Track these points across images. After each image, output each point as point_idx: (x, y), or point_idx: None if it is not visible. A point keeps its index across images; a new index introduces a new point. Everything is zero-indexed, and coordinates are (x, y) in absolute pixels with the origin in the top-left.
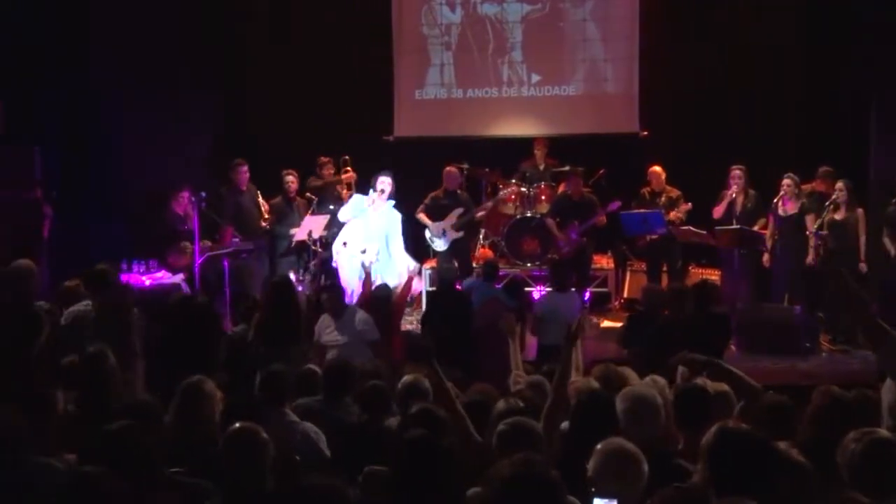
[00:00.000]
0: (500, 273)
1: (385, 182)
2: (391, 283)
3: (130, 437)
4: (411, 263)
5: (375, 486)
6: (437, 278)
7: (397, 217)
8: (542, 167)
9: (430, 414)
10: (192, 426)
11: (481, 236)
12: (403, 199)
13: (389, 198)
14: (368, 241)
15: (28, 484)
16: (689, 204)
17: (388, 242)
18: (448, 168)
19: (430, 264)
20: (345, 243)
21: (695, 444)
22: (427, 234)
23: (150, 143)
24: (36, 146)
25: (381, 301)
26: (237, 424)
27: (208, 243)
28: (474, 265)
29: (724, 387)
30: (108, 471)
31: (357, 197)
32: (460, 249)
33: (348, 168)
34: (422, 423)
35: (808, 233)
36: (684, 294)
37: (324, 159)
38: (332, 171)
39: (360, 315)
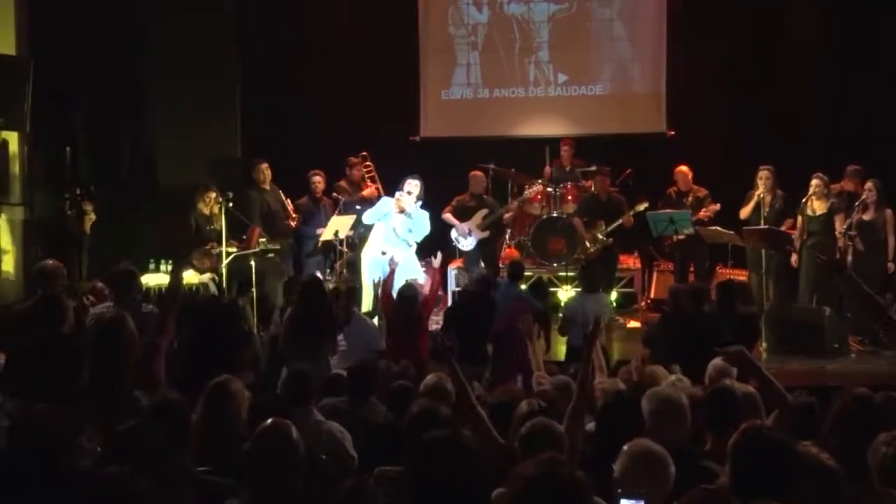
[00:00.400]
0: (526, 273)
1: (412, 184)
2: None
3: (146, 436)
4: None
5: (387, 485)
6: (476, 280)
7: (424, 216)
8: (568, 167)
9: (432, 412)
10: (217, 426)
11: (507, 236)
12: (429, 200)
13: (417, 200)
14: (390, 243)
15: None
16: (717, 204)
17: (413, 243)
18: (473, 172)
19: (456, 264)
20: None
21: (723, 445)
22: (453, 234)
23: (178, 142)
24: (67, 146)
25: (407, 301)
26: (269, 420)
27: (235, 244)
28: (500, 265)
29: (752, 389)
30: (130, 470)
31: (384, 200)
32: (487, 250)
33: (369, 164)
34: (425, 422)
35: (837, 233)
36: (700, 293)
37: (354, 160)
38: (363, 172)
39: (367, 323)
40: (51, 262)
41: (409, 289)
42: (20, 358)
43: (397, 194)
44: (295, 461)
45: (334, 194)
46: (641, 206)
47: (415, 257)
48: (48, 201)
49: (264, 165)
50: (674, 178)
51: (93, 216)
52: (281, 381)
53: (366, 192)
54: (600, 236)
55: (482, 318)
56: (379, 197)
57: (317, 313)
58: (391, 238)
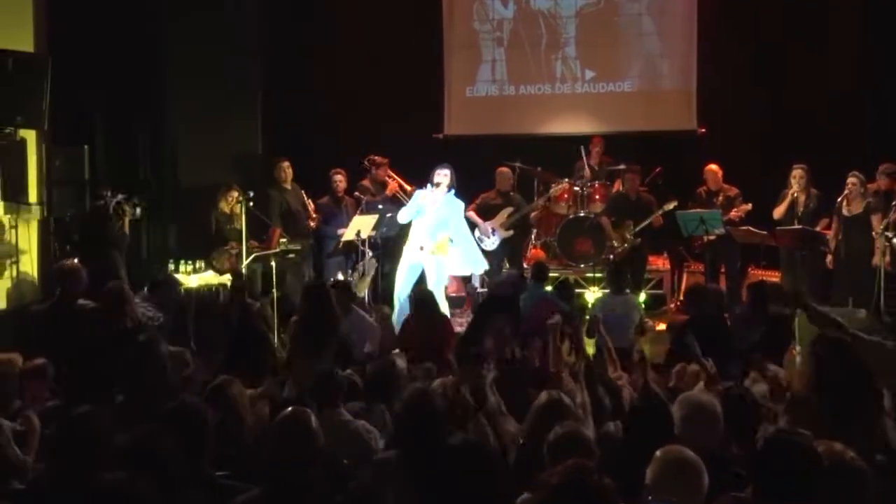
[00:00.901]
0: (552, 274)
1: (442, 174)
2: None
3: (159, 441)
4: (482, 263)
5: (385, 472)
6: (505, 282)
7: (459, 206)
8: (596, 166)
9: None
10: (220, 429)
11: (533, 236)
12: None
13: (449, 190)
14: (428, 236)
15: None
16: (749, 204)
17: (454, 233)
18: (500, 168)
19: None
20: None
21: (745, 449)
22: (476, 233)
23: (198, 141)
24: (85, 144)
25: (423, 304)
26: (289, 409)
27: (255, 244)
28: (525, 266)
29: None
30: (132, 475)
31: (417, 193)
32: (511, 250)
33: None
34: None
35: (874, 233)
36: (704, 293)
37: (378, 159)
38: (388, 172)
39: (365, 322)
40: (69, 261)
41: (422, 293)
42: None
43: (429, 187)
44: (313, 451)
45: (356, 193)
46: (671, 206)
47: (460, 254)
48: (66, 201)
49: (285, 164)
50: (704, 177)
51: (129, 217)
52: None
53: (389, 191)
54: (628, 236)
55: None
56: (403, 192)
57: (321, 319)
58: (429, 233)
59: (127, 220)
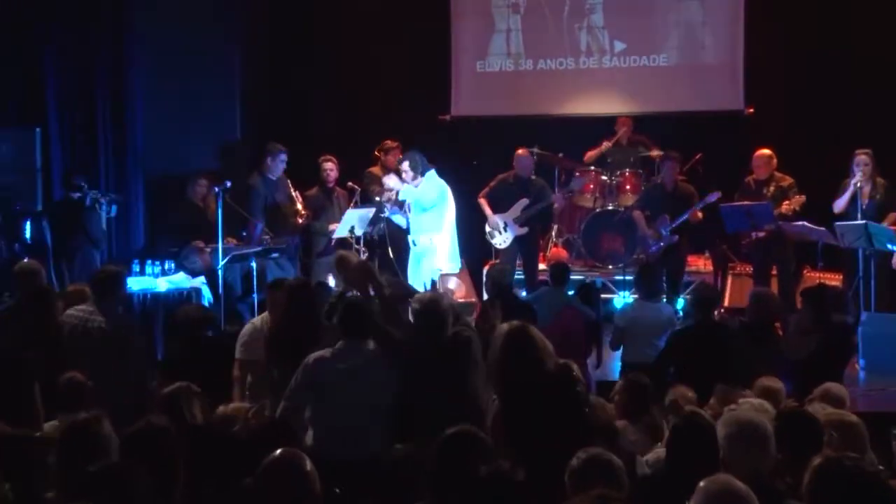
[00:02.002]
0: (576, 277)
1: (403, 166)
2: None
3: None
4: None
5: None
6: (488, 283)
7: (426, 185)
8: (625, 143)
9: (469, 435)
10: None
11: (554, 233)
12: (461, 189)
13: (416, 177)
14: (417, 230)
15: None
16: (803, 196)
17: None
18: (520, 151)
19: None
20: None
21: (798, 479)
22: (487, 227)
23: (167, 123)
24: (37, 126)
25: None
26: (279, 451)
27: (233, 241)
28: (542, 266)
29: (846, 415)
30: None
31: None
32: (526, 248)
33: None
34: (458, 446)
35: None
36: (712, 301)
37: (390, 143)
38: (397, 157)
39: None
40: (27, 262)
41: (398, 286)
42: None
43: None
44: (310, 499)
45: (350, 184)
46: (714, 198)
47: (447, 244)
48: (15, 193)
49: (283, 156)
50: (752, 164)
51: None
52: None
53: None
54: (665, 233)
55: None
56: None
57: (300, 327)
58: (413, 225)
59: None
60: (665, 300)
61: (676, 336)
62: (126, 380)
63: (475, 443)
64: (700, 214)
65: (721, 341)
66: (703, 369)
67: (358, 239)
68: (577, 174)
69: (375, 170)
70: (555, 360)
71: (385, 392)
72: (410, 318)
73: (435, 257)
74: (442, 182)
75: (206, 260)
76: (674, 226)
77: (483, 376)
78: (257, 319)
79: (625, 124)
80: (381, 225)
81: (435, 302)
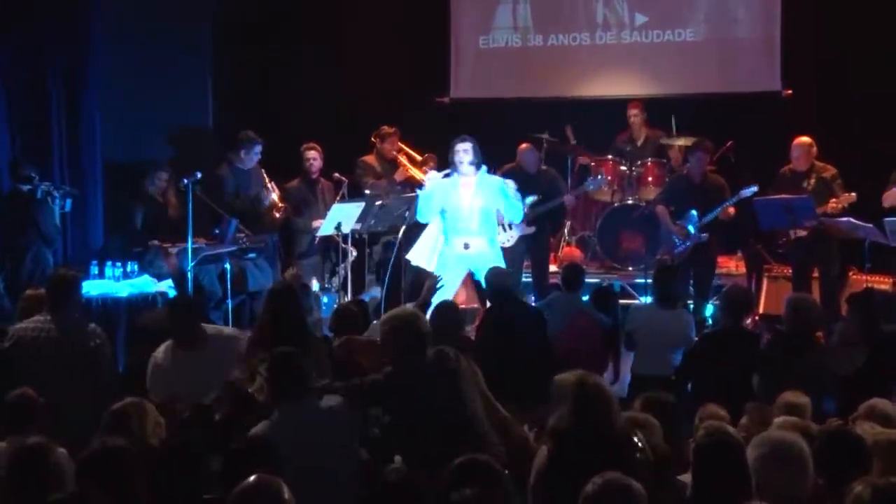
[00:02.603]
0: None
1: (462, 150)
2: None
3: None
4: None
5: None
6: (487, 286)
7: (496, 185)
8: (640, 139)
9: (481, 465)
10: None
11: (566, 230)
12: None
13: (478, 168)
14: (467, 231)
15: None
16: (852, 194)
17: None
18: (523, 146)
19: None
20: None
21: None
22: None
23: (129, 107)
24: None
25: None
26: (253, 478)
27: (202, 240)
28: (553, 269)
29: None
30: None
31: (431, 178)
32: (535, 248)
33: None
34: (470, 475)
35: None
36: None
37: (387, 129)
38: (399, 147)
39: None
40: None
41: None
42: None
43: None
44: None
45: (336, 175)
46: (750, 192)
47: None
48: None
49: (258, 147)
50: (790, 153)
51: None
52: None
53: (399, 175)
54: (693, 230)
55: (526, 338)
56: (414, 179)
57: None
58: (466, 225)
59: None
60: (691, 307)
61: (700, 343)
62: (88, 396)
63: (490, 473)
64: (732, 210)
65: (749, 352)
66: (728, 382)
67: (345, 237)
68: (593, 170)
69: (370, 159)
70: (622, 421)
71: (346, 454)
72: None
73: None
74: None
75: (172, 263)
76: (704, 222)
77: (479, 399)
78: (160, 352)
79: (636, 108)
80: (371, 221)
81: (406, 322)
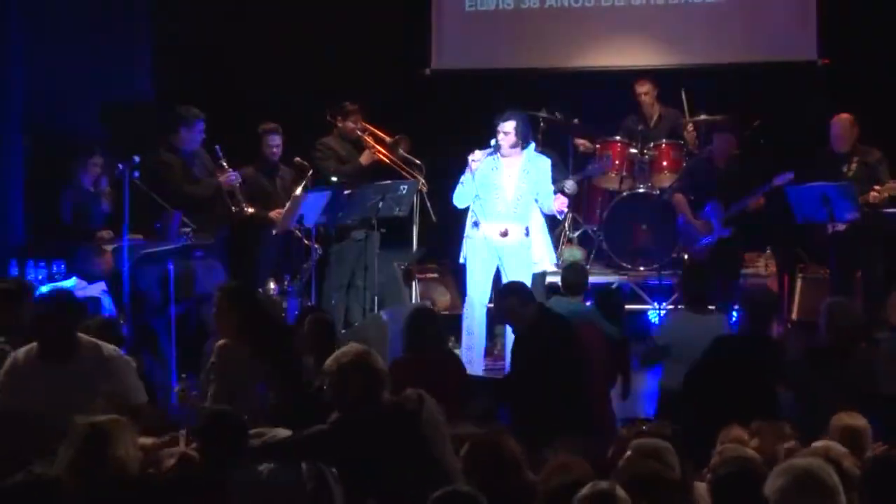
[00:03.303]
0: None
1: (504, 129)
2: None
3: None
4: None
5: None
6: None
7: (546, 166)
8: (653, 119)
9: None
10: None
11: (567, 224)
12: (445, 164)
13: (525, 145)
14: (508, 216)
15: None
16: None
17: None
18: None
19: None
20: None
21: None
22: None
23: (58, 83)
24: None
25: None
26: None
27: (141, 237)
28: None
29: None
30: None
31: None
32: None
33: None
34: None
35: None
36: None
37: (349, 105)
38: (362, 126)
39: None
40: None
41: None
42: None
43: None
44: None
45: (297, 160)
46: (784, 179)
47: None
48: None
49: (201, 125)
50: (830, 134)
51: None
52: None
53: (365, 159)
54: (717, 224)
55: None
56: (387, 158)
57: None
58: (508, 209)
59: None
60: (716, 311)
61: (711, 350)
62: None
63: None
64: (762, 201)
65: (771, 362)
66: (744, 398)
67: (307, 232)
68: (598, 152)
69: (330, 140)
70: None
71: None
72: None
73: (530, 252)
74: None
75: (107, 261)
76: (730, 214)
77: (448, 448)
78: (21, 353)
79: (647, 83)
80: (339, 213)
81: (356, 362)
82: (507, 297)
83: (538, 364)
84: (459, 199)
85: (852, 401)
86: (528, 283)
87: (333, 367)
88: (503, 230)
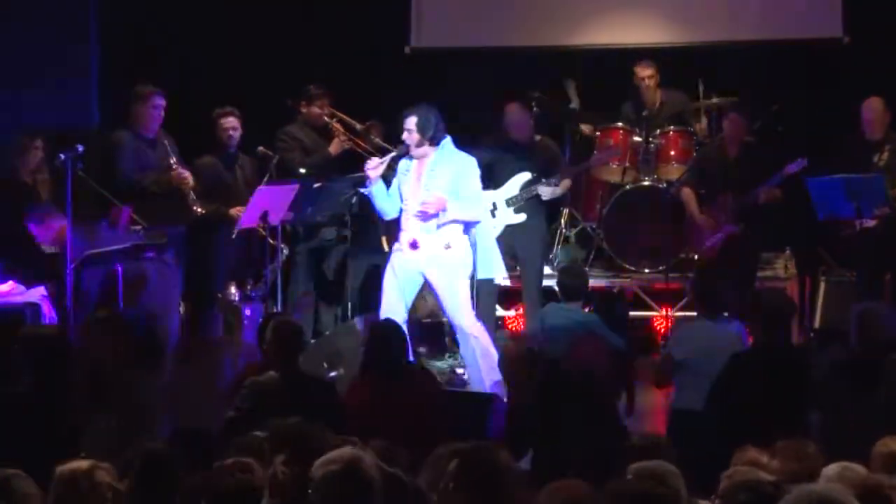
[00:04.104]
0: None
1: (408, 125)
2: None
3: None
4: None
5: None
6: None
7: (466, 165)
8: (657, 104)
9: None
10: None
11: (564, 220)
12: None
13: (436, 142)
14: (420, 226)
15: None
16: None
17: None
18: (511, 105)
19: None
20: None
21: None
22: None
23: None
24: None
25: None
26: None
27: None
28: (547, 271)
29: None
30: None
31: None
32: (524, 244)
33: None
34: None
35: None
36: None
37: (315, 89)
38: (329, 112)
39: None
40: None
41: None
42: None
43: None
44: None
45: (261, 150)
46: (797, 167)
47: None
48: None
49: (157, 100)
50: (862, 119)
51: None
52: None
53: (335, 148)
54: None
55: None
56: (358, 146)
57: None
58: (421, 221)
59: None
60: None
61: (730, 366)
62: None
63: None
64: (778, 192)
65: (795, 376)
66: (765, 417)
67: (272, 230)
68: (598, 140)
69: (294, 129)
70: None
71: None
72: None
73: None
74: None
75: (49, 261)
76: (741, 207)
77: None
78: None
79: (649, 68)
80: (308, 210)
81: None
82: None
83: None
84: (383, 212)
85: (887, 420)
86: (456, 298)
87: (318, 476)
88: (411, 241)
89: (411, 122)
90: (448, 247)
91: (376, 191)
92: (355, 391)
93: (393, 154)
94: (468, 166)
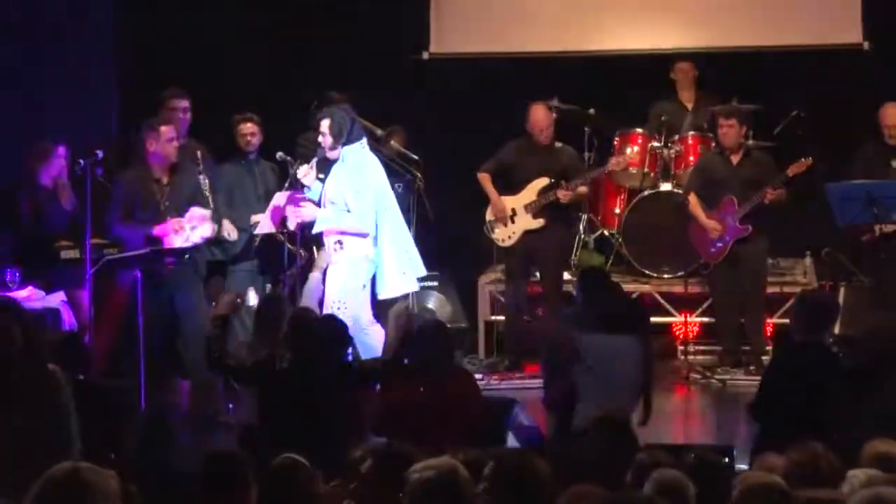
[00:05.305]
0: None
1: (322, 125)
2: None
3: None
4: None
5: None
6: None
7: (358, 174)
8: (690, 106)
9: None
10: None
11: (582, 227)
12: (442, 160)
13: (343, 143)
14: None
15: None
16: None
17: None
18: (535, 106)
19: (492, 276)
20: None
21: None
22: (488, 215)
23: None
24: None
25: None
26: None
27: (103, 241)
28: (567, 276)
29: None
30: None
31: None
32: (544, 249)
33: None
34: None
35: None
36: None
37: (338, 96)
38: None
39: None
40: None
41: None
42: None
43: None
44: None
45: (280, 155)
46: (801, 167)
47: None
48: None
49: (182, 103)
50: (879, 124)
51: None
52: None
53: None
54: (731, 224)
55: None
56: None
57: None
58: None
59: None
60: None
61: (773, 366)
62: None
63: None
64: (783, 193)
65: (826, 379)
66: (798, 419)
67: (292, 236)
68: (617, 145)
69: (314, 135)
70: None
71: None
72: None
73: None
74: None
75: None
76: (746, 209)
77: None
78: None
79: (685, 67)
80: None
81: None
82: None
83: None
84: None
85: (888, 428)
86: (358, 302)
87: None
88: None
89: (325, 124)
90: (342, 247)
91: (314, 195)
92: (396, 388)
93: (315, 158)
94: (359, 177)
